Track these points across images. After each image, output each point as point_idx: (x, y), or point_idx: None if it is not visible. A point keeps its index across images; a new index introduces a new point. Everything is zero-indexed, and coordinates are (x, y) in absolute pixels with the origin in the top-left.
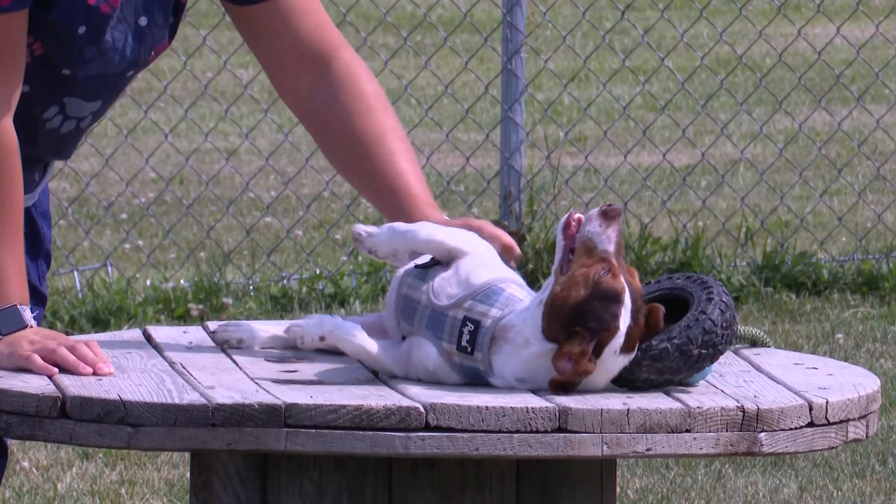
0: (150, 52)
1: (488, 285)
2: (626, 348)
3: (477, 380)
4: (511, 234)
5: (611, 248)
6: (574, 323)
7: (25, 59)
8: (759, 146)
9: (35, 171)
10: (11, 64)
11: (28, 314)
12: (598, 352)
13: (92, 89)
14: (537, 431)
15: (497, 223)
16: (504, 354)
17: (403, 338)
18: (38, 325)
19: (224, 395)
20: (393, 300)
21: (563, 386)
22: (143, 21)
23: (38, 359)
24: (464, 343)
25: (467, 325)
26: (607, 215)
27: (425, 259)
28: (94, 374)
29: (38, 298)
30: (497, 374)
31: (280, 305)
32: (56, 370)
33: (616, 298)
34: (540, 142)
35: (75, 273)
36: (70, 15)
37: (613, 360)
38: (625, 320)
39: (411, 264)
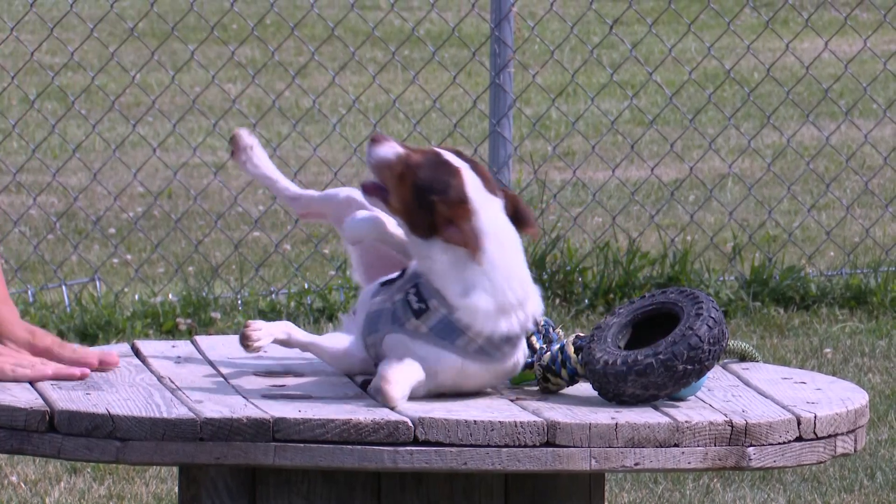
0: None
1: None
2: (486, 183)
3: (450, 333)
4: None
5: (392, 154)
6: (423, 199)
7: None
8: (748, 160)
9: None
10: None
11: None
12: (463, 199)
13: None
14: (525, 446)
15: None
16: (441, 289)
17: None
18: None
19: (212, 409)
20: (361, 319)
21: (470, 249)
22: None
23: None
24: (415, 307)
25: (410, 293)
26: (376, 140)
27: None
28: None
29: None
30: (456, 306)
31: (268, 320)
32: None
33: (433, 156)
34: (528, 156)
35: (63, 287)
36: None
37: (483, 199)
38: (458, 162)
39: (375, 284)
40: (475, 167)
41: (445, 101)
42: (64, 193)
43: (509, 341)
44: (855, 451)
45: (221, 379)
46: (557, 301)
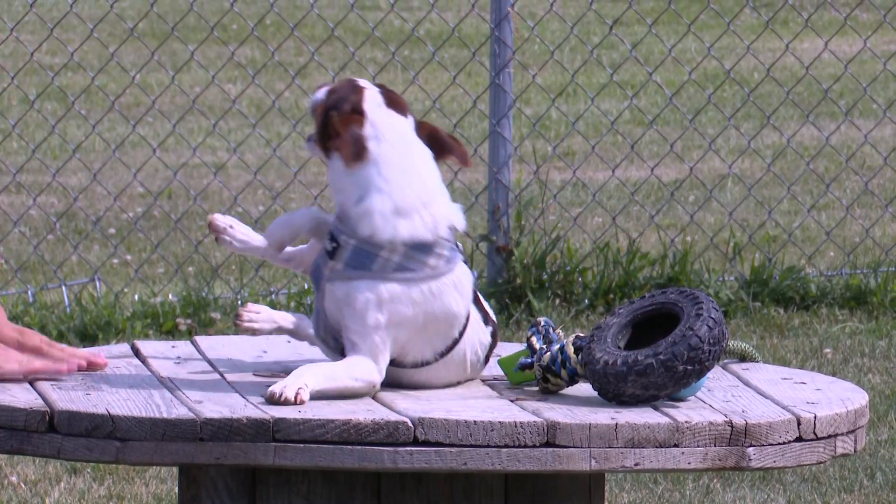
0: None
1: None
2: (391, 103)
3: (364, 260)
4: (498, 248)
5: (321, 93)
6: (325, 116)
7: None
8: (747, 161)
9: None
10: None
11: None
12: (356, 110)
13: None
14: (525, 446)
15: (484, 238)
16: (340, 204)
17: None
18: None
19: (212, 409)
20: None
21: (357, 154)
22: None
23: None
24: (328, 249)
25: (325, 240)
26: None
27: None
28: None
29: None
30: (353, 215)
31: None
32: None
33: (346, 83)
34: (528, 156)
35: (63, 288)
36: None
37: (383, 113)
38: (366, 84)
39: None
40: (386, 92)
41: (445, 101)
42: (64, 193)
43: (424, 249)
44: (855, 451)
45: (221, 379)
46: (557, 301)
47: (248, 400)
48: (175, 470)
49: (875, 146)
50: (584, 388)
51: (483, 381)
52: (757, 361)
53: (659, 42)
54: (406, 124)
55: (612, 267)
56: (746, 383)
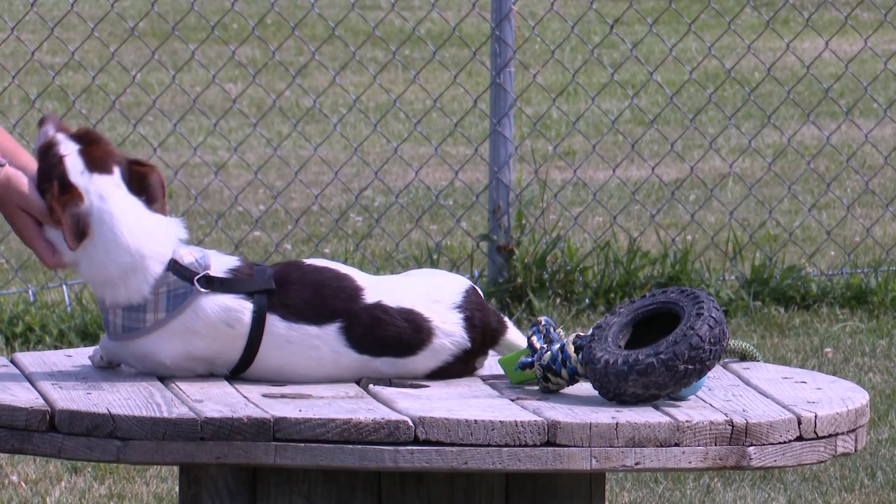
0: None
1: None
2: (93, 167)
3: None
4: (499, 248)
5: (42, 139)
6: (41, 192)
7: None
8: (748, 160)
9: None
10: None
11: None
12: (64, 184)
13: None
14: (526, 445)
15: (485, 238)
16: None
17: None
18: None
19: (213, 408)
20: None
21: (80, 234)
22: None
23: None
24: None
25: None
26: (40, 123)
27: None
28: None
29: None
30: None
31: None
32: None
33: (47, 144)
34: (528, 156)
35: (64, 287)
36: None
37: (89, 180)
38: (68, 148)
39: None
40: (86, 151)
41: (446, 101)
42: None
43: (136, 309)
44: (855, 450)
45: (222, 379)
46: (558, 300)
47: (248, 399)
48: (176, 469)
49: (875, 145)
50: (584, 388)
51: (483, 380)
52: (757, 361)
53: (659, 41)
54: (111, 182)
55: (613, 266)
56: (747, 382)
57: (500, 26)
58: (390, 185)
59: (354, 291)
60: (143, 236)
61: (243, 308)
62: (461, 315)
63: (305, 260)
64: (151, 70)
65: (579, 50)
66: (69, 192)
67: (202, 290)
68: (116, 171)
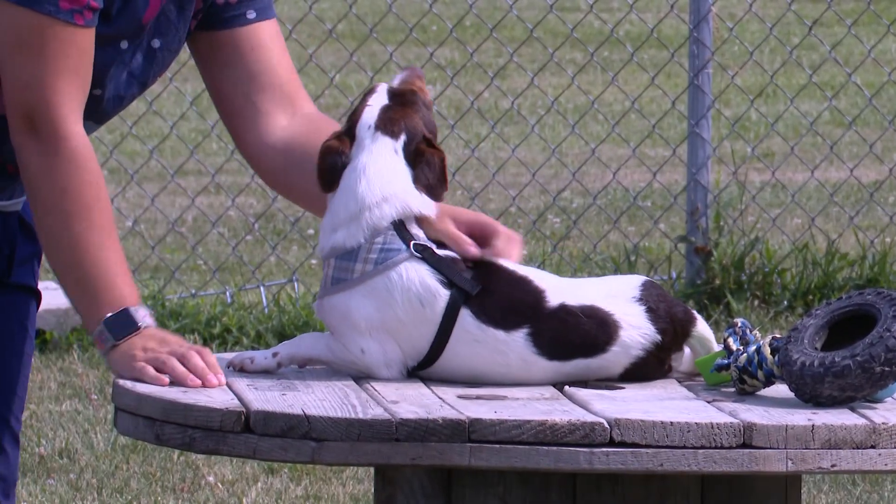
0: (156, 75)
1: None
2: (383, 126)
3: (323, 281)
4: (697, 249)
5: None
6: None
7: None
8: None
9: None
10: (86, 77)
11: (142, 313)
12: (350, 132)
13: (106, 110)
14: (722, 447)
15: (683, 239)
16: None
17: None
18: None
19: (408, 410)
20: None
21: (327, 181)
22: (156, 43)
23: (150, 370)
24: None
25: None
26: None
27: None
28: (203, 385)
29: (38, 298)
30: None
31: None
32: (167, 380)
33: (370, 88)
34: (727, 157)
35: (261, 289)
36: (123, 30)
37: (371, 135)
38: (377, 101)
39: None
40: (391, 105)
41: (644, 102)
42: (262, 195)
43: (348, 257)
44: None
45: (417, 379)
46: (756, 302)
47: (443, 400)
48: (371, 470)
49: None
50: (780, 390)
51: (679, 382)
52: None
53: (858, 43)
54: (390, 146)
55: (811, 268)
56: None
57: (698, 28)
58: (588, 186)
59: (539, 295)
60: (378, 187)
61: (439, 292)
62: (643, 307)
63: (496, 260)
64: (350, 72)
65: (778, 51)
66: (341, 139)
67: (415, 253)
68: (402, 138)
